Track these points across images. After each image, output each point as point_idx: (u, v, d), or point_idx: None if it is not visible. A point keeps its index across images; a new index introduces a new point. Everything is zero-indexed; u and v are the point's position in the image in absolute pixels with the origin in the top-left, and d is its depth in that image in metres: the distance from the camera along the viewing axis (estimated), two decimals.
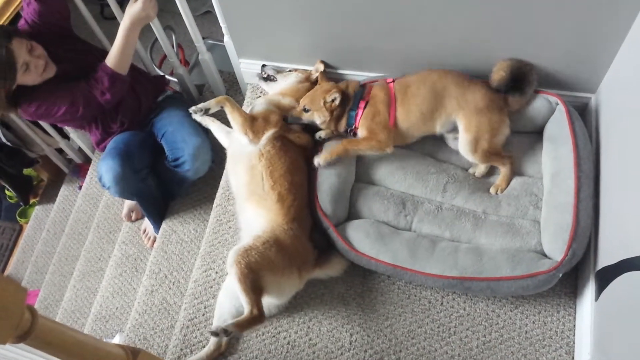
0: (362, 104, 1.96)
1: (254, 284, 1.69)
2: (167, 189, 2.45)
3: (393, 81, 1.99)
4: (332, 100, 1.95)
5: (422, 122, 1.94)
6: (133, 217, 2.66)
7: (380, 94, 1.96)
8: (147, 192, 2.37)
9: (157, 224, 2.48)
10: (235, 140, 2.03)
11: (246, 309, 1.68)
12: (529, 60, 1.89)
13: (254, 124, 1.96)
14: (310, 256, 1.87)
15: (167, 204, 2.51)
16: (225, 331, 1.63)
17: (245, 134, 1.95)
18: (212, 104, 2.01)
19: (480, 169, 2.00)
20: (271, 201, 1.86)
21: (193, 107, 2.03)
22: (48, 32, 2.12)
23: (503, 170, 1.96)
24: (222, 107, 2.00)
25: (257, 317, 1.68)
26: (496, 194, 1.96)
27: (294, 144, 2.01)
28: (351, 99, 1.98)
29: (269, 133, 1.95)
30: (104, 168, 2.18)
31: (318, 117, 1.98)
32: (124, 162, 2.18)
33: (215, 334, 1.65)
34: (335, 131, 2.04)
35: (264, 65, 2.25)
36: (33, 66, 2.00)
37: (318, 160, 1.95)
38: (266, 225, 1.84)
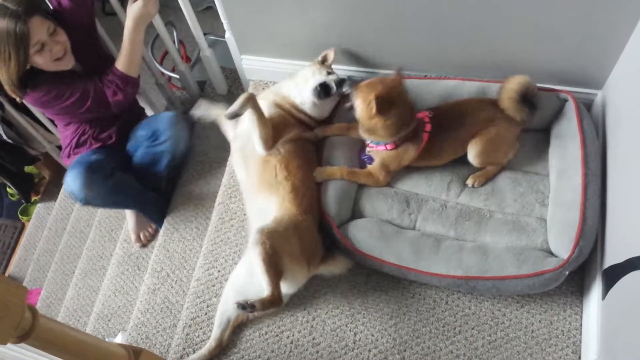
0: (390, 146, 1.87)
1: (276, 266, 1.70)
2: (151, 178, 2.40)
3: (429, 130, 1.86)
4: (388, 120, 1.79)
5: (447, 158, 1.96)
6: (143, 239, 2.54)
7: (411, 148, 1.87)
8: (123, 186, 2.29)
9: (157, 220, 2.47)
10: (246, 135, 1.96)
11: (267, 290, 1.67)
12: (532, 59, 1.88)
13: (271, 133, 1.88)
14: (319, 251, 1.86)
15: (164, 198, 2.49)
16: (252, 306, 1.63)
17: (264, 142, 1.87)
18: (241, 105, 1.80)
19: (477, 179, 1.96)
20: (284, 190, 1.85)
21: (227, 114, 1.83)
22: (73, 26, 2.10)
23: (490, 168, 1.94)
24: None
25: (277, 300, 1.68)
26: (472, 186, 1.94)
27: (308, 141, 2.01)
28: (396, 135, 1.83)
29: (283, 139, 1.93)
30: (69, 178, 2.12)
31: (355, 109, 1.85)
32: (89, 168, 2.13)
33: (242, 306, 1.63)
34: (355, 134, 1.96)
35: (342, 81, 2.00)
36: (48, 49, 1.97)
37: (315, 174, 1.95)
38: (283, 213, 1.83)
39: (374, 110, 1.74)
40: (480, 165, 1.93)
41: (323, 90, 1.94)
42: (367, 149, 1.95)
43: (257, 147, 1.89)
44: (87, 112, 2.16)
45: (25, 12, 1.88)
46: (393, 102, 1.76)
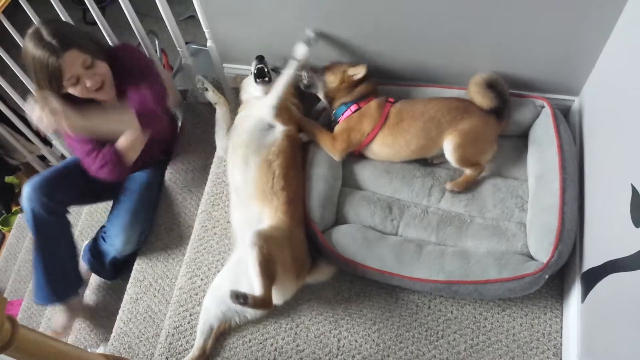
0: (354, 107, 1.99)
1: (269, 271, 1.70)
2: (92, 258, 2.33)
3: (393, 102, 2.00)
4: (352, 75, 2.00)
5: (406, 156, 2.01)
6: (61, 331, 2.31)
7: (373, 111, 1.98)
8: (55, 233, 2.19)
9: (41, 291, 2.20)
10: (254, 128, 2.00)
11: (258, 291, 1.67)
12: (509, 66, 1.93)
13: (285, 104, 2.04)
14: (307, 263, 1.87)
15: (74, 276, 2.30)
16: (245, 297, 1.63)
17: (278, 107, 1.99)
18: (294, 65, 2.01)
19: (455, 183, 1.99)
20: (278, 201, 1.86)
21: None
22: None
23: (469, 172, 1.95)
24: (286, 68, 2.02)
25: (267, 302, 1.69)
26: (451, 190, 1.96)
27: (299, 143, 2.05)
28: (355, 94, 2.02)
29: (287, 129, 2.00)
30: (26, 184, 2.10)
31: (326, 81, 2.05)
32: (47, 185, 2.10)
33: (236, 294, 1.63)
34: (328, 107, 2.11)
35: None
36: (84, 82, 1.91)
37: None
38: (276, 223, 1.84)
39: (348, 71, 2.01)
40: (459, 163, 1.92)
41: (259, 73, 2.10)
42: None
43: (269, 111, 1.98)
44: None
45: (60, 47, 1.82)
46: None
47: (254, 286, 1.68)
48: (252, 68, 2.10)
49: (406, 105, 1.98)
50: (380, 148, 1.99)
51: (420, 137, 1.93)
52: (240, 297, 1.63)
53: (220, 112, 2.25)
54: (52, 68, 1.84)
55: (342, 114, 2.01)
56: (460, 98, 1.95)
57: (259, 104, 2.06)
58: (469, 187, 1.96)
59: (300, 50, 2.00)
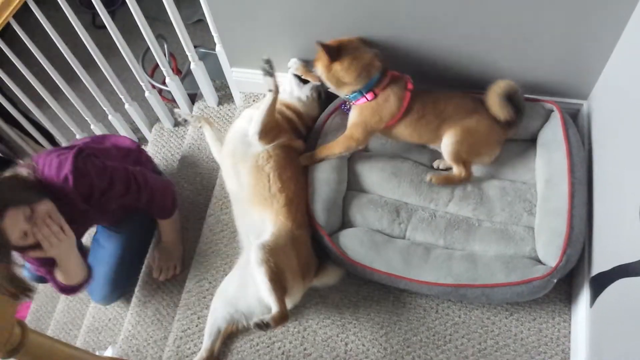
0: (370, 96, 1.88)
1: (281, 284, 1.69)
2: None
3: (412, 88, 1.90)
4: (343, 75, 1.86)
5: (418, 140, 1.98)
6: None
7: (394, 99, 1.88)
8: None
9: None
10: (238, 139, 1.99)
11: (275, 307, 1.65)
12: (518, 70, 1.91)
13: (272, 127, 1.93)
14: (313, 265, 1.87)
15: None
16: (267, 325, 1.62)
17: (262, 131, 1.89)
18: (271, 83, 1.86)
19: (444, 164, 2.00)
20: (278, 204, 1.85)
21: (264, 59, 1.82)
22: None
23: (455, 171, 1.93)
24: (269, 90, 1.87)
25: (286, 315, 1.67)
26: (429, 181, 1.96)
27: (297, 152, 2.02)
28: (365, 76, 1.86)
29: (276, 142, 1.94)
30: None
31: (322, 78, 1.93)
32: None
33: (259, 325, 1.61)
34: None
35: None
36: (36, 230, 1.67)
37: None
38: (279, 227, 1.83)
39: (326, 60, 1.83)
40: (450, 157, 1.90)
41: (299, 77, 2.08)
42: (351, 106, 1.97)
43: (253, 135, 1.91)
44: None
45: None
46: (342, 48, 1.83)
47: (269, 302, 1.67)
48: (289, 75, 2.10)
49: (428, 101, 1.91)
50: (401, 135, 1.95)
51: (434, 133, 1.92)
52: (262, 326, 1.62)
53: (208, 134, 2.32)
54: None
55: (357, 100, 1.91)
56: (475, 97, 1.93)
57: (245, 113, 2.07)
58: (447, 184, 1.96)
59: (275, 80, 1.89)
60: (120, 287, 2.27)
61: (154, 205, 2.06)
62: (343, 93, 1.94)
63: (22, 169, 1.78)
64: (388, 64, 1.90)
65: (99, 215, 2.07)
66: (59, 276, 1.93)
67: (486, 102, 1.87)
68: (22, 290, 1.61)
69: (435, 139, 1.94)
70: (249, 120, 1.99)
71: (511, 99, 1.83)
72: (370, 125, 1.91)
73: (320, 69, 1.89)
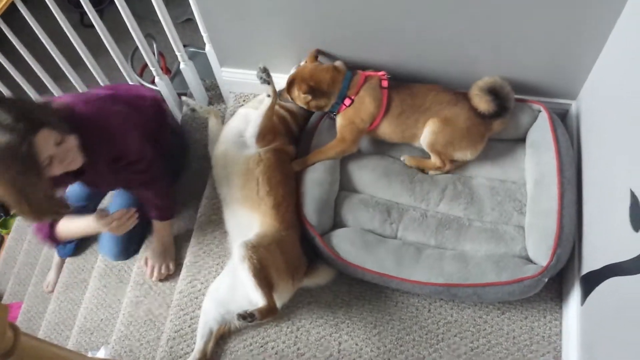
0: (347, 102, 1.95)
1: (266, 279, 1.71)
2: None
3: (387, 86, 1.94)
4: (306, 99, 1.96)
5: (401, 138, 2.00)
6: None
7: (369, 100, 1.93)
8: None
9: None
10: (231, 139, 2.01)
11: (261, 302, 1.67)
12: (506, 70, 1.92)
13: (269, 130, 1.96)
14: (302, 265, 1.88)
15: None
16: (252, 315, 1.63)
17: (259, 134, 1.93)
18: (269, 89, 1.89)
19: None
20: (266, 206, 1.86)
21: (260, 68, 1.83)
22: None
23: (432, 159, 1.98)
24: (268, 95, 1.90)
25: (273, 308, 1.69)
26: (402, 160, 2.03)
27: (288, 155, 2.02)
28: (336, 90, 1.95)
29: (272, 145, 1.96)
30: None
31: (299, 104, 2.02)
32: None
33: (242, 316, 1.63)
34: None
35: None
36: (57, 160, 1.65)
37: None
38: (265, 229, 1.84)
39: (302, 94, 1.94)
40: (428, 147, 1.94)
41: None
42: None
43: (250, 138, 1.94)
44: None
45: (29, 131, 1.53)
46: (305, 79, 1.94)
47: (256, 298, 1.69)
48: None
49: (406, 96, 1.94)
50: (384, 134, 1.99)
51: (414, 127, 1.95)
52: (247, 317, 1.63)
53: (212, 123, 2.29)
54: (25, 155, 1.53)
55: (339, 109, 1.98)
56: (457, 92, 1.94)
57: (240, 112, 2.08)
58: (420, 167, 2.02)
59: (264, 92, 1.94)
60: (134, 243, 2.32)
61: (156, 200, 2.08)
62: (325, 110, 2.02)
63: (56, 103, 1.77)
64: (355, 66, 2.00)
65: (105, 175, 1.99)
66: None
67: (469, 93, 1.90)
68: (59, 208, 1.76)
69: (418, 134, 1.95)
70: (244, 119, 2.01)
71: (496, 93, 1.86)
72: (357, 126, 1.96)
73: (298, 100, 2.00)
